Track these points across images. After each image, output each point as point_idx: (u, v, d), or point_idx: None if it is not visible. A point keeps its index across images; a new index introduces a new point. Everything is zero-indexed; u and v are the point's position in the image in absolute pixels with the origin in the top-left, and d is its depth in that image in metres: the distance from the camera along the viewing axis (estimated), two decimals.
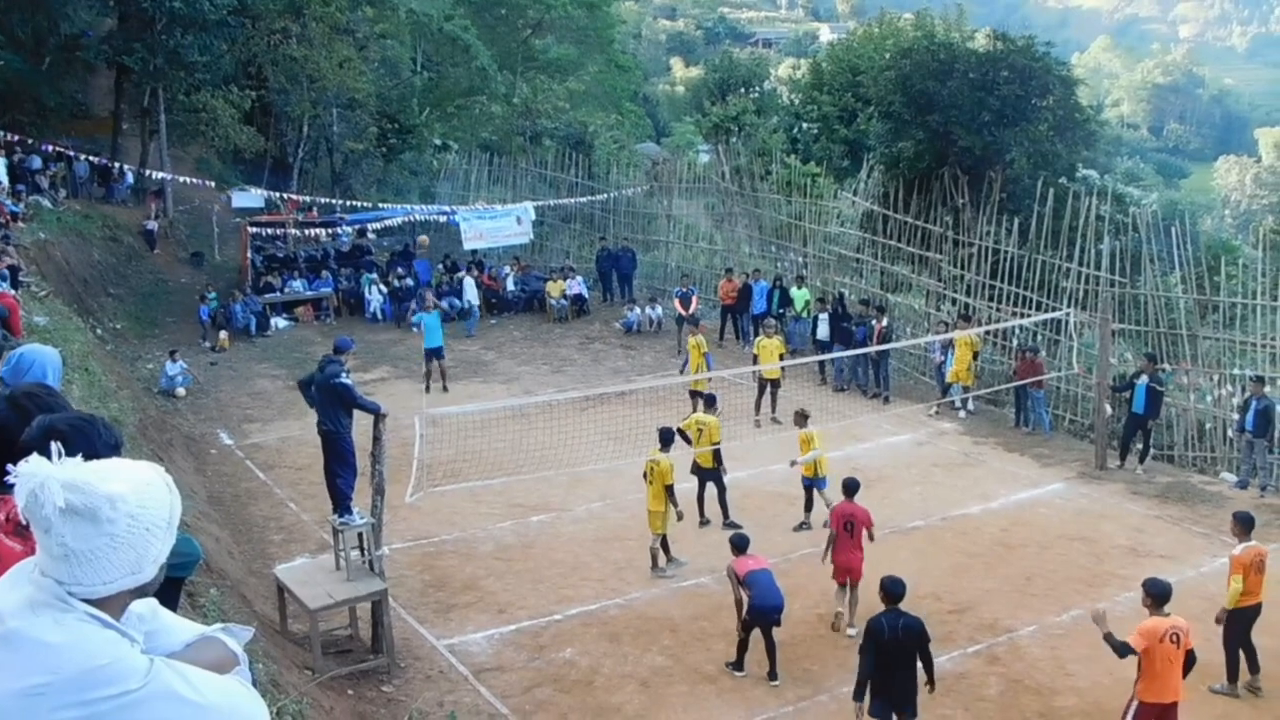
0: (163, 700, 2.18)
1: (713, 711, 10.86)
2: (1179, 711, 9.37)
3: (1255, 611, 11.02)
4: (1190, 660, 9.28)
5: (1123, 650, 9.13)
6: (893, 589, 9.59)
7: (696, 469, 15.52)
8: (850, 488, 12.90)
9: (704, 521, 15.43)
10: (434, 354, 22.17)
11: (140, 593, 2.28)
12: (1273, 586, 13.39)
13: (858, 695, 9.40)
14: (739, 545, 11.84)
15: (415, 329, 22.82)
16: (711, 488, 15.57)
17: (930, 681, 9.49)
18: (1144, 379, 17.87)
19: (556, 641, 12.30)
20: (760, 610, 11.26)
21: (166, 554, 2.27)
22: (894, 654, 9.33)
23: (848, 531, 12.52)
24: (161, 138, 32.92)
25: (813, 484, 15.49)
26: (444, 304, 29.40)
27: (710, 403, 16.32)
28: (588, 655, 11.99)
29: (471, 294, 28.99)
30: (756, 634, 11.43)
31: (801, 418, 15.58)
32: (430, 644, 12.20)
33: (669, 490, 13.73)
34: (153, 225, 31.37)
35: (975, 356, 21.05)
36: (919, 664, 9.47)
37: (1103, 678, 11.45)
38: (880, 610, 9.60)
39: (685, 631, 12.51)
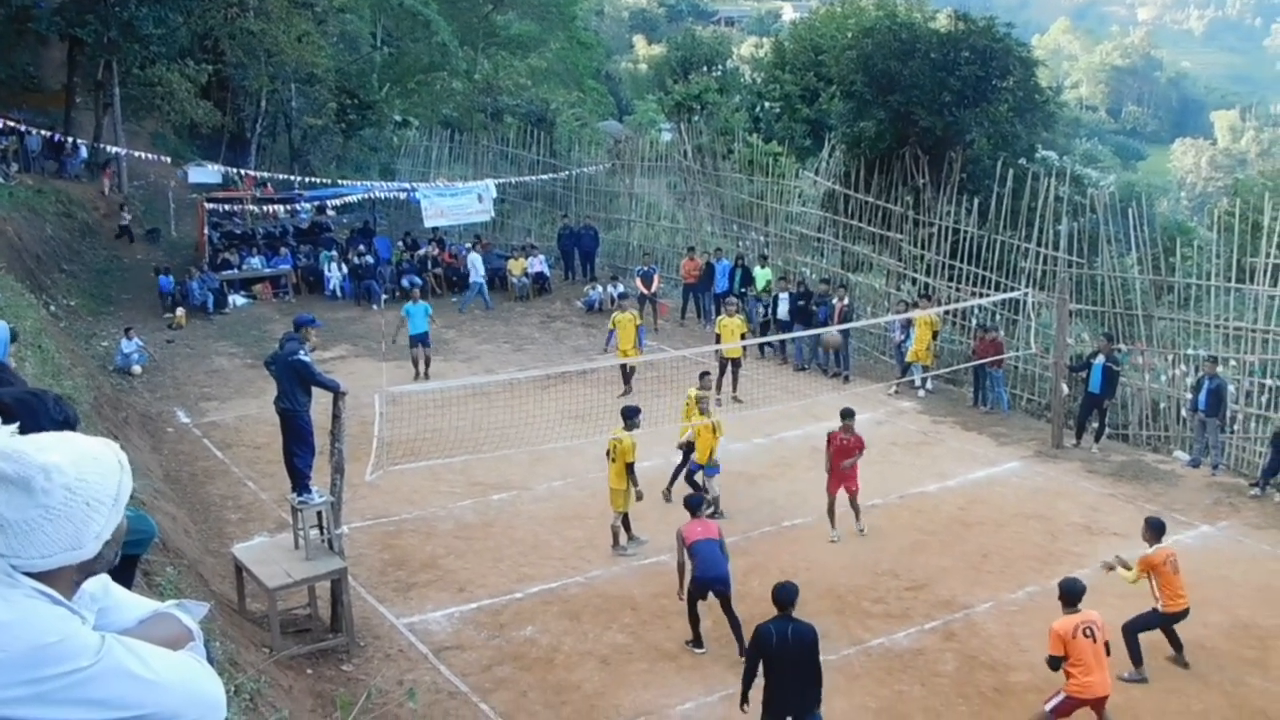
0: (115, 677, 2.16)
1: (673, 688, 10.92)
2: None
3: (1182, 615, 11.19)
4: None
5: (1050, 665, 9.56)
6: (782, 596, 9.14)
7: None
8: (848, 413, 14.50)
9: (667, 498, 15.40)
10: (419, 340, 22.00)
11: (88, 570, 2.25)
12: (1223, 565, 13.67)
13: (743, 698, 9.12)
14: (692, 507, 11.90)
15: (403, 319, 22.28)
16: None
17: (818, 697, 8.96)
18: (1100, 359, 18.10)
19: (517, 620, 12.32)
20: (700, 581, 11.28)
21: (110, 532, 2.23)
22: (784, 663, 8.85)
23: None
24: (116, 112, 32.43)
25: (701, 469, 15.13)
26: (404, 282, 29.27)
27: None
28: (548, 633, 12.02)
29: (478, 270, 28.64)
30: (716, 608, 11.49)
31: (699, 403, 15.40)
32: (390, 623, 12.18)
33: (630, 469, 13.74)
34: (127, 219, 30.60)
35: (935, 336, 21.21)
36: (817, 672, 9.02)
37: None
38: (771, 617, 9.23)
39: (646, 609, 12.56)
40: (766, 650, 8.85)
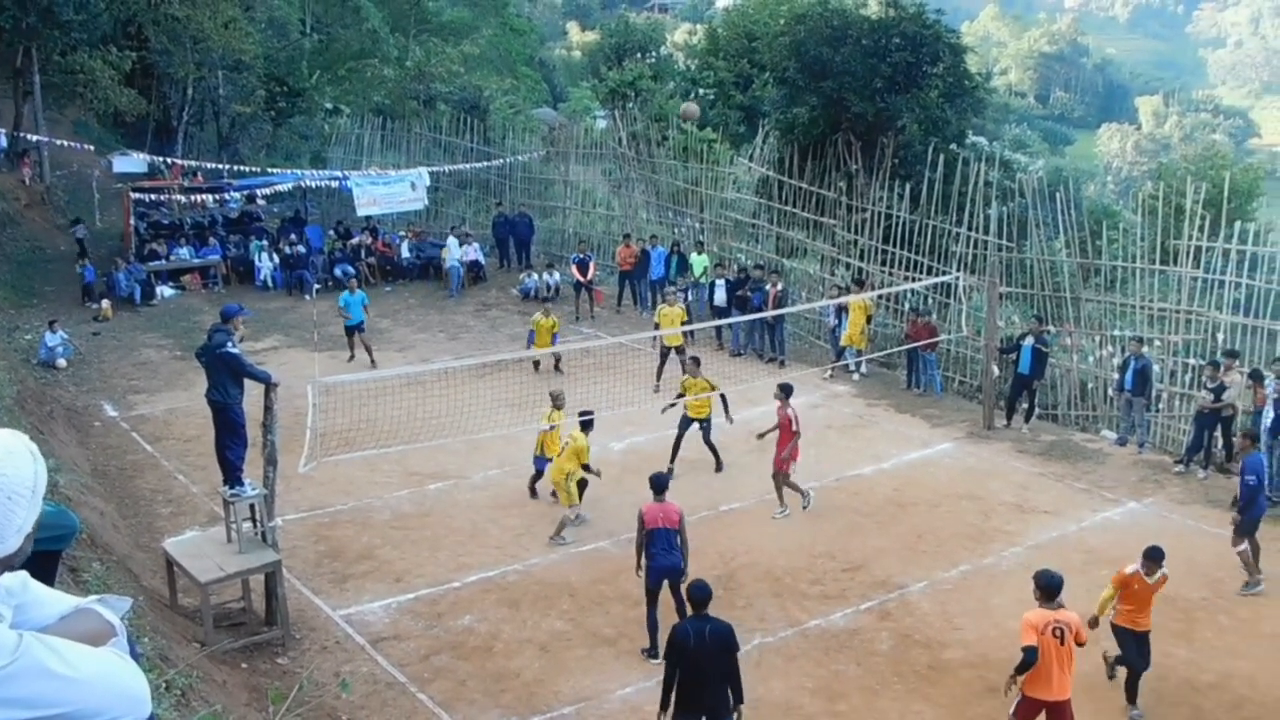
0: (33, 676, 2.12)
1: (611, 674, 10.95)
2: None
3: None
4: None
5: (1026, 655, 8.81)
6: (697, 594, 8.93)
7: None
8: (788, 391, 14.91)
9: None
10: (356, 328, 22.17)
11: (7, 565, 2.20)
12: (1149, 540, 13.98)
13: (662, 707, 8.73)
14: (657, 486, 11.60)
15: (341, 311, 22.28)
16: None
17: (739, 699, 8.73)
18: (1030, 340, 18.41)
19: (455, 609, 12.28)
20: (654, 570, 11.25)
21: (30, 524, 2.19)
22: (701, 663, 8.57)
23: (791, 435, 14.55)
24: (36, 99, 31.59)
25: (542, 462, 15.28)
26: (336, 271, 28.95)
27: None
28: (486, 621, 11.99)
29: (455, 255, 28.77)
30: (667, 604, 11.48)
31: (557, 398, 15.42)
32: (326, 614, 12.08)
33: (585, 467, 14.01)
34: (82, 234, 29.35)
35: (869, 320, 21.42)
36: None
37: (989, 630, 11.84)
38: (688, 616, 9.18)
39: (584, 596, 12.57)
40: (684, 650, 8.56)
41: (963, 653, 11.39)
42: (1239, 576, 12.98)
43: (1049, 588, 9.07)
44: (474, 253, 29.52)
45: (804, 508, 14.81)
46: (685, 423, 16.26)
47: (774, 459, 14.84)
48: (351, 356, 22.19)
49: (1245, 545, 12.86)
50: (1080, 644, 8.99)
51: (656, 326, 20.58)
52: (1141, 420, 17.73)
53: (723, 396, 16.32)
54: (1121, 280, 20.57)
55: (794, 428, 14.69)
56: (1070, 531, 14.37)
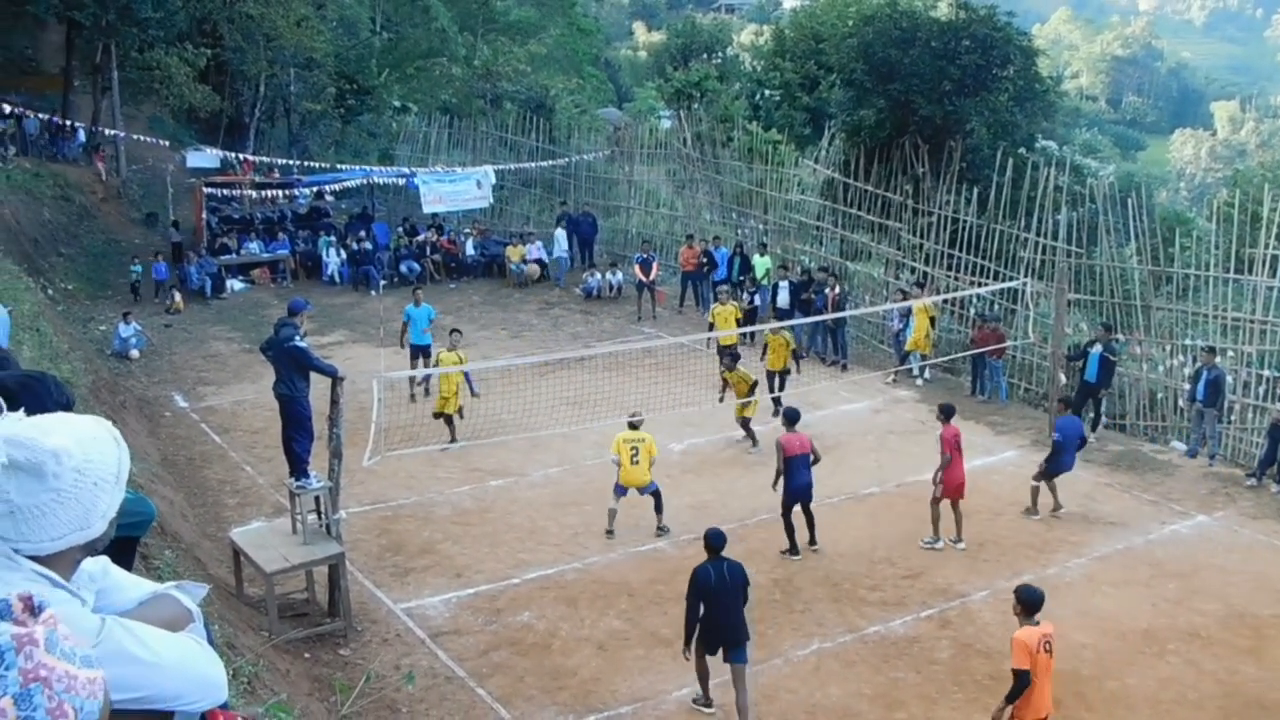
0: (116, 661, 2.16)
1: (668, 675, 10.95)
2: None
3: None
4: None
5: (1019, 680, 8.46)
6: (714, 541, 10.12)
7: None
8: (949, 412, 14.25)
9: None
10: (422, 351, 19.69)
11: (90, 550, 2.25)
12: (1219, 554, 13.69)
13: (686, 642, 9.92)
14: (790, 418, 13.77)
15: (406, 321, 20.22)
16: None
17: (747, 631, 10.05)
18: (1098, 348, 18.11)
19: (513, 605, 12.35)
20: (791, 490, 13.35)
21: (115, 509, 2.24)
22: (723, 598, 9.78)
23: (959, 451, 13.92)
24: (114, 95, 32.33)
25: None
26: (402, 267, 29.24)
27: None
28: (545, 619, 12.05)
29: (562, 245, 28.89)
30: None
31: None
32: (387, 607, 12.20)
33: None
34: (178, 239, 29.37)
35: (933, 324, 21.22)
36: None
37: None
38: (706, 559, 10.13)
39: (642, 595, 12.58)
40: (705, 588, 9.72)
41: None
42: None
43: (1031, 602, 8.74)
44: (537, 251, 29.67)
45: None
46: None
47: (942, 488, 13.98)
48: (413, 396, 19.14)
49: (1040, 484, 14.92)
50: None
51: (711, 327, 20.53)
52: (1213, 432, 17.37)
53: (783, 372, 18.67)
54: (1194, 289, 20.16)
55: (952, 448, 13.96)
56: (1137, 544, 14.12)
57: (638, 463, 13.97)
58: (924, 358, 21.24)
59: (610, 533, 14.16)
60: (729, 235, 27.87)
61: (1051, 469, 14.98)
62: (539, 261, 29.51)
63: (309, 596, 11.86)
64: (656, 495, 14.24)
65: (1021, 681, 8.49)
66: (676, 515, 14.67)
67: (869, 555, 13.73)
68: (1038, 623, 8.67)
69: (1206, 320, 19.33)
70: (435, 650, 11.31)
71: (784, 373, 18.97)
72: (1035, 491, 15.00)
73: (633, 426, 14.29)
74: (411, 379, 19.13)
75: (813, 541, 13.76)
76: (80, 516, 2.17)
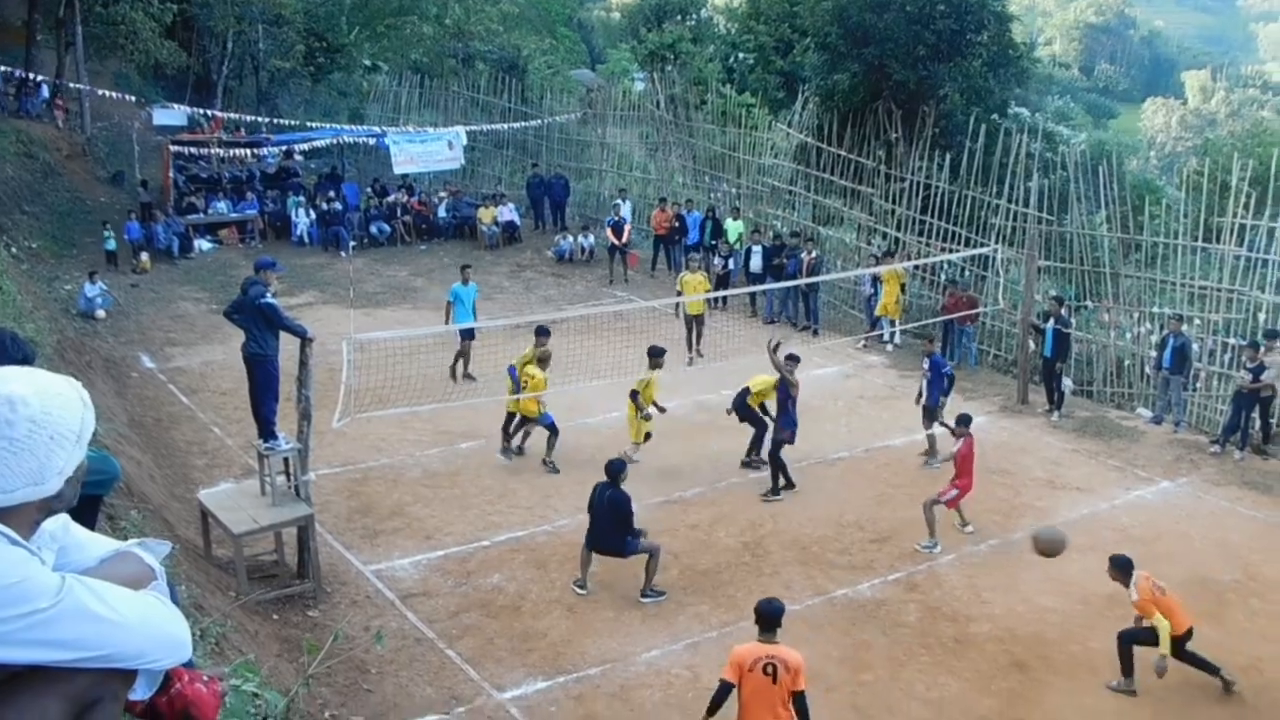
0: (76, 619, 2.14)
1: (637, 637, 11.01)
2: None
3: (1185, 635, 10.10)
4: (801, 708, 7.84)
5: (717, 690, 7.98)
6: (610, 468, 11.65)
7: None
8: (966, 421, 13.69)
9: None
10: (468, 335, 18.64)
11: (49, 509, 2.22)
12: (1182, 520, 13.86)
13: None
14: (796, 360, 14.52)
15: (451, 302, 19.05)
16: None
17: (634, 541, 11.52)
18: (1052, 322, 18.04)
19: (483, 567, 12.36)
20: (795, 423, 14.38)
21: (72, 468, 2.20)
22: (599, 515, 11.57)
23: (970, 465, 13.39)
24: (78, 50, 31.75)
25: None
26: (372, 229, 29.04)
27: (655, 355, 15.52)
28: (515, 581, 12.07)
29: (625, 212, 27.07)
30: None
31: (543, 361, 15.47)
32: (357, 569, 12.19)
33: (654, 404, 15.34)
34: (147, 199, 28.49)
35: (903, 290, 21.27)
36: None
37: (1017, 605, 11.81)
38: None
39: (611, 558, 12.59)
40: (591, 500, 11.69)
41: (989, 627, 11.37)
42: (1274, 560, 12.93)
43: (768, 616, 8.02)
44: (509, 213, 29.51)
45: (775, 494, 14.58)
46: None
47: (950, 493, 13.44)
48: (455, 376, 18.58)
49: (934, 429, 15.59)
50: (797, 690, 7.76)
51: (679, 293, 20.37)
52: (1178, 399, 17.54)
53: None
54: (1162, 257, 20.31)
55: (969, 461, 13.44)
56: (1102, 509, 14.28)
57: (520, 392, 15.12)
58: (893, 323, 21.32)
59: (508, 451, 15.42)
60: (701, 199, 27.80)
61: (931, 404, 15.77)
62: (510, 224, 29.36)
63: (278, 558, 11.83)
64: (551, 426, 15.19)
65: (718, 693, 7.96)
66: (646, 478, 14.71)
67: (838, 519, 13.82)
68: (774, 643, 7.98)
69: (1174, 288, 19.49)
70: (405, 612, 11.31)
71: (700, 318, 19.60)
72: (933, 439, 15.64)
73: (540, 361, 15.25)
74: (453, 371, 18.56)
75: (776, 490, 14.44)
76: (34, 470, 2.13)
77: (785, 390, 14.32)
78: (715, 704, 7.99)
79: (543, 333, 15.79)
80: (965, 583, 12.31)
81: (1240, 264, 18.52)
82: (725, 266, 23.57)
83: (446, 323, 18.70)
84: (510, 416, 15.59)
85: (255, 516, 11.16)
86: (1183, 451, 16.53)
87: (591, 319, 20.74)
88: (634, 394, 15.24)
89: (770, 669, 7.69)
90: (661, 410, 15.61)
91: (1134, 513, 14.29)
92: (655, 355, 15.49)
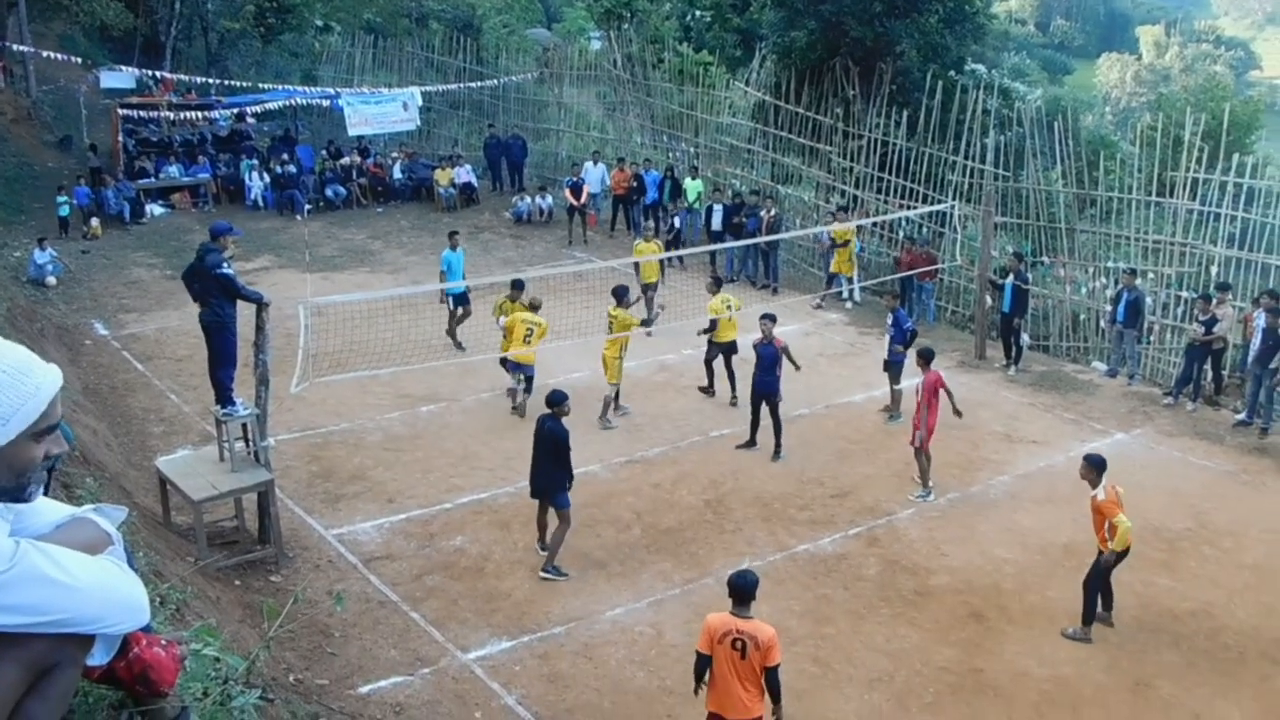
0: (30, 583, 2.13)
1: (601, 595, 11.07)
2: None
3: (1126, 553, 10.36)
4: (773, 684, 7.65)
5: (698, 664, 7.84)
6: (550, 398, 11.56)
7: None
8: (928, 356, 13.65)
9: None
10: (462, 302, 18.42)
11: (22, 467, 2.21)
12: (1136, 471, 14.07)
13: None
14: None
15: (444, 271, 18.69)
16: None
17: (565, 478, 11.44)
18: (1010, 278, 18.18)
19: (446, 530, 12.37)
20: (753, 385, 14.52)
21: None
22: (538, 449, 11.44)
23: (936, 398, 13.31)
24: (21, 11, 31.01)
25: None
26: (328, 191, 28.74)
27: (620, 296, 15.94)
28: (478, 543, 12.09)
29: (595, 182, 26.77)
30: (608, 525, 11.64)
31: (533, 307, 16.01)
32: (319, 534, 12.16)
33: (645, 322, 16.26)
34: (97, 163, 28.24)
35: (846, 245, 21.26)
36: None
37: (975, 557, 11.98)
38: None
39: (575, 519, 12.63)
40: (535, 435, 11.55)
41: (948, 579, 11.53)
42: (1224, 509, 13.19)
43: (740, 589, 7.74)
44: (466, 174, 29.29)
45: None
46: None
47: (920, 433, 13.40)
48: (458, 344, 18.15)
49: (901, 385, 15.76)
50: (770, 665, 7.55)
51: (636, 267, 19.94)
52: (1132, 352, 17.77)
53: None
54: (1117, 212, 20.51)
55: (937, 394, 13.37)
56: (1058, 462, 14.47)
57: (529, 343, 15.31)
58: (850, 280, 21.41)
59: (516, 409, 15.59)
60: (660, 158, 27.71)
61: (898, 361, 15.83)
62: (467, 185, 29.15)
63: (238, 524, 11.77)
64: (530, 380, 15.70)
65: (697, 665, 7.83)
66: (609, 438, 14.77)
67: (799, 476, 13.93)
68: (746, 617, 7.69)
69: (1128, 243, 19.69)
70: (368, 575, 11.31)
71: (654, 285, 19.34)
72: (899, 395, 15.83)
73: (533, 308, 15.74)
74: (452, 335, 18.21)
75: (776, 452, 14.38)
76: None
77: (772, 351, 14.29)
78: (699, 674, 7.85)
79: (518, 285, 16.34)
80: (924, 536, 12.46)
81: (1193, 218, 18.74)
82: (670, 230, 23.62)
83: (442, 295, 18.42)
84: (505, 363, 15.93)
85: (214, 483, 11.09)
86: (1137, 404, 16.78)
87: (551, 280, 20.67)
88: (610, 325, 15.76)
89: (739, 644, 7.53)
90: (644, 324, 16.78)
91: None
92: (620, 295, 15.80)
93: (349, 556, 11.70)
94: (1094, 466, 10.26)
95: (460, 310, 18.38)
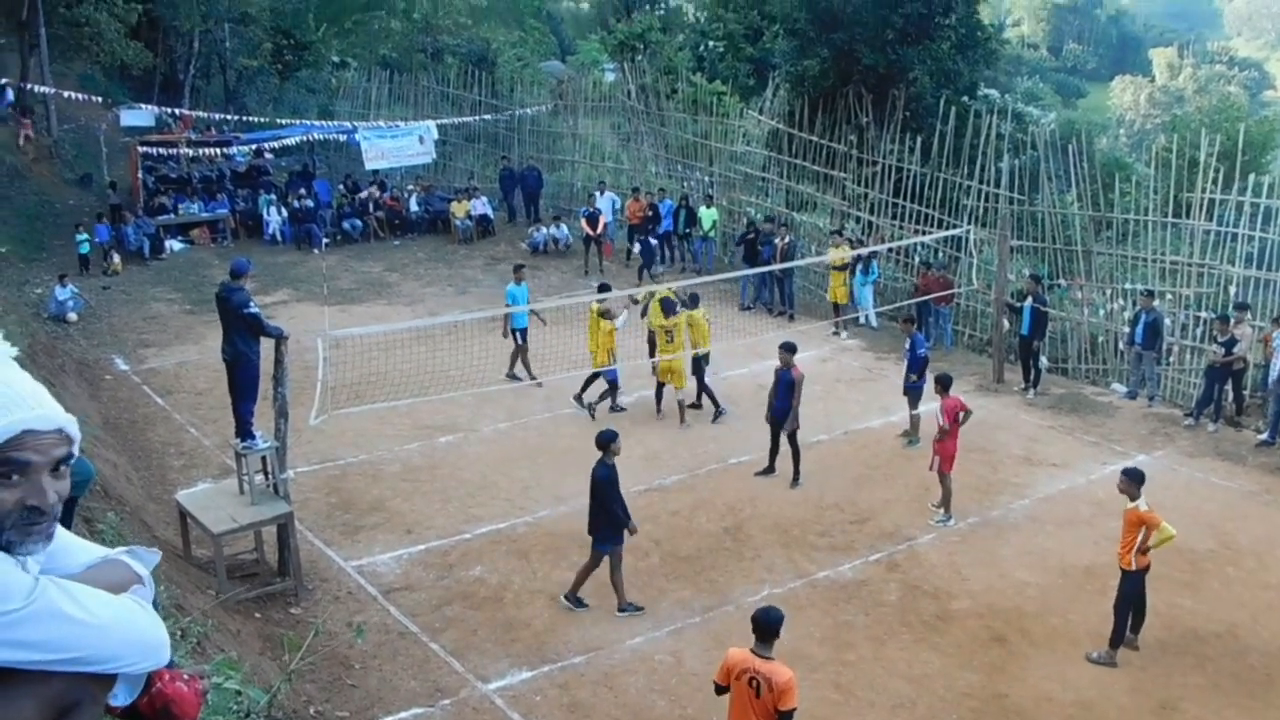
0: (48, 620, 2.12)
1: (621, 624, 11.04)
2: None
3: (1146, 570, 10.34)
4: None
5: (715, 690, 7.81)
6: (599, 437, 11.25)
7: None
8: (946, 382, 13.67)
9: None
10: (522, 334, 18.20)
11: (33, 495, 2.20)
12: (1158, 492, 13.96)
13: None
14: (790, 348, 14.20)
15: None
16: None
17: (615, 525, 11.09)
18: (1029, 300, 18.13)
19: (465, 560, 12.36)
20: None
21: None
22: (591, 490, 11.14)
23: (958, 424, 13.35)
24: (42, 52, 31.44)
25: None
26: (345, 225, 28.92)
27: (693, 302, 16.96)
28: (497, 572, 12.07)
29: (606, 210, 26.66)
30: (651, 556, 11.62)
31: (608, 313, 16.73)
32: (338, 565, 12.17)
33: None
34: (116, 200, 28.14)
35: (853, 273, 21.25)
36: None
37: (996, 581, 11.90)
38: None
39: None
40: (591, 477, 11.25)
41: (970, 603, 11.45)
42: (1247, 530, 13.08)
43: (763, 626, 7.55)
44: (482, 206, 29.44)
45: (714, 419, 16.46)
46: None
47: (940, 460, 13.36)
48: (529, 376, 18.18)
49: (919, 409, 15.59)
50: (784, 709, 7.27)
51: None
52: (1152, 374, 17.68)
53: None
54: (1133, 233, 20.45)
55: (957, 419, 13.38)
56: (1079, 484, 14.39)
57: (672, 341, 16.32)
58: (841, 309, 21.26)
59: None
60: (674, 187, 27.80)
61: (917, 387, 15.70)
62: (483, 217, 29.30)
63: (258, 557, 11.79)
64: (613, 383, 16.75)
65: (716, 692, 7.79)
66: (628, 466, 14.71)
67: (818, 502, 13.88)
68: (767, 658, 7.50)
69: (1145, 264, 19.61)
70: (387, 606, 11.31)
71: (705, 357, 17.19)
72: (916, 418, 15.71)
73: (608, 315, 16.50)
74: (527, 368, 18.20)
75: (795, 478, 14.33)
76: None
77: (790, 378, 14.18)
78: (719, 693, 7.77)
79: (604, 289, 17.38)
80: (945, 560, 12.39)
81: (1210, 238, 18.66)
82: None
83: (504, 331, 18.27)
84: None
85: (234, 515, 11.13)
86: (1157, 425, 16.68)
87: (566, 310, 20.71)
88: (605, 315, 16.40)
89: (755, 683, 7.37)
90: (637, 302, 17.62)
91: (1110, 487, 14.24)
92: (603, 289, 16.89)
93: (368, 588, 11.70)
94: (1133, 480, 10.26)
95: (524, 343, 18.13)
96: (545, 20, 60.84)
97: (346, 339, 16.01)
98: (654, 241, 25.08)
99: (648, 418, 16.53)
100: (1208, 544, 12.74)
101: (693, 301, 17.02)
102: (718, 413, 16.69)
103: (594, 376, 16.64)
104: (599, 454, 11.12)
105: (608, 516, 11.08)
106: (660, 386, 16.85)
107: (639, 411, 16.87)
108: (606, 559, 11.16)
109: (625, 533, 11.20)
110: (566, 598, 11.37)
